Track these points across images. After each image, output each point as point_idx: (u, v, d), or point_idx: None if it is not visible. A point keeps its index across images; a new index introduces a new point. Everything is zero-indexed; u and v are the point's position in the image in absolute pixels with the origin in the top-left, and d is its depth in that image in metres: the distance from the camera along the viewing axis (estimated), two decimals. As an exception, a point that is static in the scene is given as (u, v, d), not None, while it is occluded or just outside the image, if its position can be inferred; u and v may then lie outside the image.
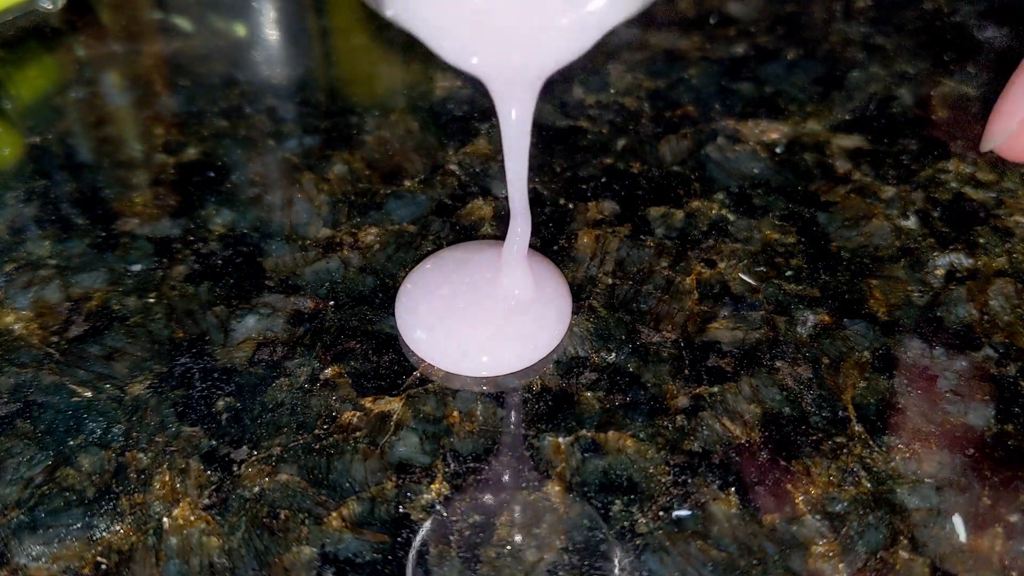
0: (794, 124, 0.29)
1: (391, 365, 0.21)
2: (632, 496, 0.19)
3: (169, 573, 0.17)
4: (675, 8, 0.35)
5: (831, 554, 0.18)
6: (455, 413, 0.20)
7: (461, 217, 0.25)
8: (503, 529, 0.18)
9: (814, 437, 0.20)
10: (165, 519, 0.18)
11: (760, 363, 0.21)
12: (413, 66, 0.32)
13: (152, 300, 0.23)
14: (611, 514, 0.18)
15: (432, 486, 0.19)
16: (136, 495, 0.19)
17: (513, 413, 0.20)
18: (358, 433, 0.20)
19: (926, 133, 0.28)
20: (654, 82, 0.31)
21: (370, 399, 0.21)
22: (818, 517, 0.18)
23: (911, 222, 0.25)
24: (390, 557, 0.18)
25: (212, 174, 0.27)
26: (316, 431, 0.20)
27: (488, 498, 0.19)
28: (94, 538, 0.18)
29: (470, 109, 0.30)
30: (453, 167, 0.27)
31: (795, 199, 0.26)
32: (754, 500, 0.19)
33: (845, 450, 0.20)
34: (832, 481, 0.19)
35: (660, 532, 0.18)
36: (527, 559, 0.18)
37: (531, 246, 0.23)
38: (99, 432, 0.20)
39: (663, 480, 0.19)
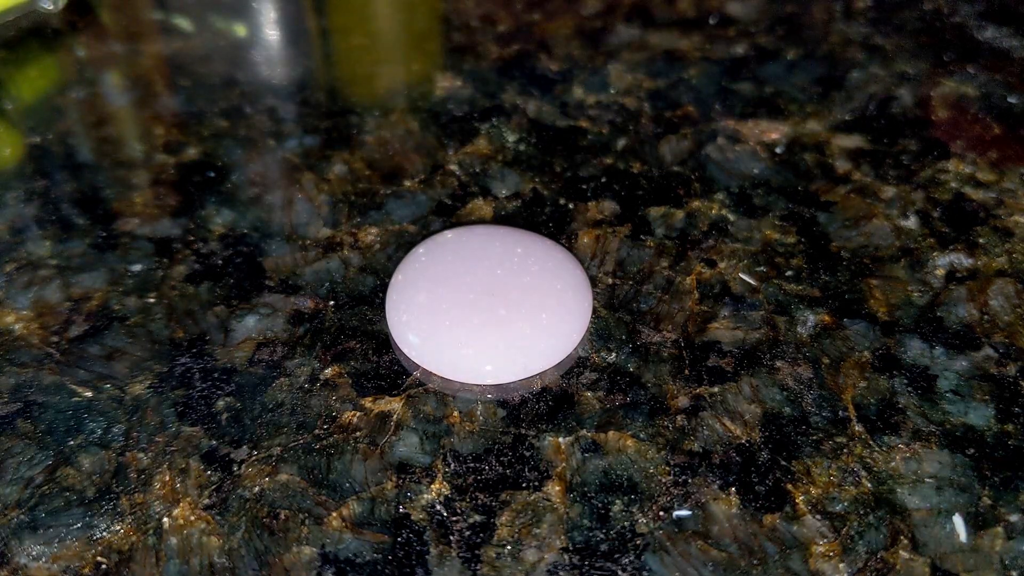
0: (794, 124, 0.29)
1: (391, 365, 0.21)
2: (632, 496, 0.19)
3: (169, 573, 0.17)
4: (675, 8, 0.35)
5: (831, 554, 0.18)
6: (455, 413, 0.20)
7: (461, 217, 0.25)
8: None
9: (814, 437, 0.20)
10: (165, 519, 0.18)
11: (760, 363, 0.21)
12: (413, 66, 0.32)
13: (152, 300, 0.23)
14: (611, 514, 0.18)
15: (432, 486, 0.19)
16: (136, 495, 0.19)
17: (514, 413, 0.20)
18: (358, 433, 0.20)
19: (926, 133, 0.28)
20: (654, 82, 0.31)
21: (370, 399, 0.21)
22: (818, 517, 0.18)
23: (911, 222, 0.25)
24: (390, 557, 0.18)
25: (212, 174, 0.27)
26: (316, 431, 0.20)
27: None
28: (94, 538, 0.18)
29: (470, 109, 0.30)
30: (453, 167, 0.27)
31: (795, 199, 0.26)
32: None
33: (845, 450, 0.20)
34: (832, 481, 0.19)
35: (660, 532, 0.18)
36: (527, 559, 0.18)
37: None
38: (99, 432, 0.20)
39: (663, 480, 0.19)
